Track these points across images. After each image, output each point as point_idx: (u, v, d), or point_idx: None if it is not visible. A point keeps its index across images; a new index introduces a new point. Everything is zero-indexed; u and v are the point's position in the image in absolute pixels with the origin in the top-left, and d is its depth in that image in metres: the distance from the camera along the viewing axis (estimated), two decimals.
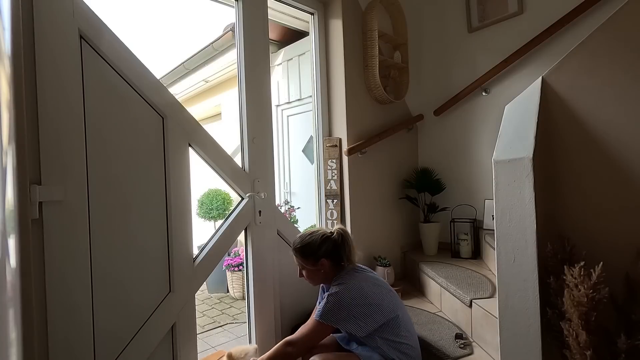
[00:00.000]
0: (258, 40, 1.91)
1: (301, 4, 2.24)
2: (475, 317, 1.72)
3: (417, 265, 2.36)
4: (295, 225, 2.98)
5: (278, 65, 3.78)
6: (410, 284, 2.44)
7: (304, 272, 1.53)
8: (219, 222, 3.82)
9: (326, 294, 1.43)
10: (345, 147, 2.25)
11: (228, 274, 3.52)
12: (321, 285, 1.60)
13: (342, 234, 1.52)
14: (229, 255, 3.45)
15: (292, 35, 3.43)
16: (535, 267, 1.10)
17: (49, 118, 1.21)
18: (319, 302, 1.52)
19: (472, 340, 1.72)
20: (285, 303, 1.98)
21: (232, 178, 1.79)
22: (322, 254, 1.47)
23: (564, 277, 1.06)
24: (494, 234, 1.23)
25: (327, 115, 2.36)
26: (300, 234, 1.57)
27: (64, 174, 1.25)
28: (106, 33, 1.37)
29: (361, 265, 1.58)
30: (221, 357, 1.44)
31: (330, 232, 1.53)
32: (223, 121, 4.53)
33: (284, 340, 1.41)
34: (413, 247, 2.69)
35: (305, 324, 1.43)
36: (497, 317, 1.20)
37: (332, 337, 1.59)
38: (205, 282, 2.80)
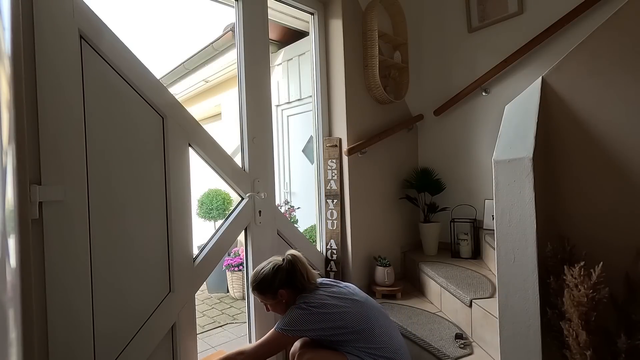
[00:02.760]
0: (258, 40, 1.91)
1: (301, 4, 2.24)
2: (475, 317, 1.72)
3: (417, 265, 2.36)
4: (296, 225, 2.98)
5: (278, 65, 3.78)
6: (410, 284, 2.44)
7: (268, 306, 1.53)
8: (219, 222, 3.82)
9: (290, 307, 1.44)
10: (345, 147, 2.25)
11: (228, 274, 3.52)
12: None
13: (291, 259, 1.51)
14: (229, 255, 3.45)
15: (292, 35, 3.43)
16: (535, 267, 1.10)
17: (49, 118, 1.22)
18: None
19: (472, 340, 1.72)
20: None
21: (232, 178, 1.79)
22: (277, 285, 1.46)
23: (564, 277, 1.06)
24: (494, 234, 1.23)
25: (327, 115, 2.36)
26: (255, 269, 1.55)
27: (64, 174, 1.25)
28: (106, 33, 1.37)
29: (327, 280, 1.58)
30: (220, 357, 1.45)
31: (282, 259, 1.52)
32: (223, 121, 4.53)
33: (237, 349, 1.41)
34: (413, 247, 2.69)
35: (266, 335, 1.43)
36: (497, 317, 1.20)
37: None
38: (205, 282, 2.80)
